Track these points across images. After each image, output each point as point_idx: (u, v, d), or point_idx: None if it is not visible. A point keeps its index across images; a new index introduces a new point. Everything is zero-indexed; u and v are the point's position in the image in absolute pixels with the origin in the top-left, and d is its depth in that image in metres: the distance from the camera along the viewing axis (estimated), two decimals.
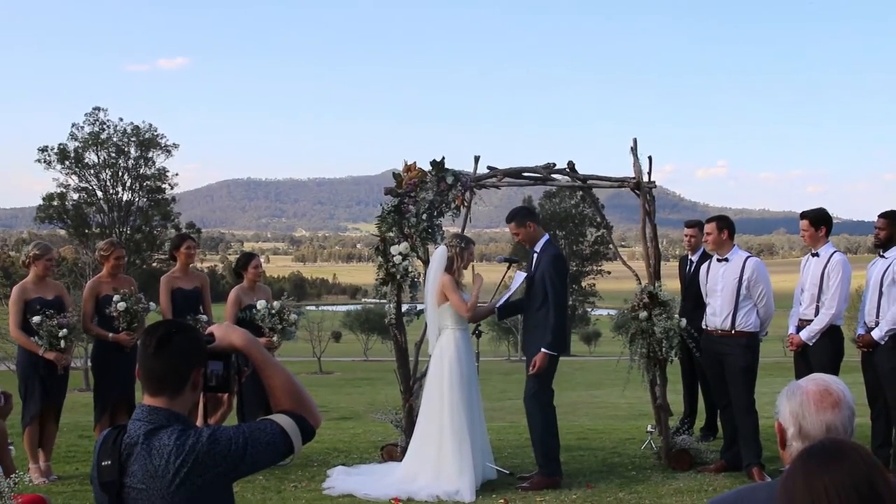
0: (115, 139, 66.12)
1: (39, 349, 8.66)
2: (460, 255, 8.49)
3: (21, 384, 8.82)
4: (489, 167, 9.30)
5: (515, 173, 9.35)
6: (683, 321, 8.92)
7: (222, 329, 3.15)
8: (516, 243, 9.10)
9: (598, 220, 10.29)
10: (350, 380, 36.58)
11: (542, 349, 8.34)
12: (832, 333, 8.59)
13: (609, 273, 76.66)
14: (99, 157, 65.88)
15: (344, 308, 79.78)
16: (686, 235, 10.54)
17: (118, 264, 9.25)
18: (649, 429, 9.84)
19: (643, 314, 8.81)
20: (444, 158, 9.03)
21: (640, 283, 9.14)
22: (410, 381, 9.18)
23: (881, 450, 8.36)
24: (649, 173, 9.34)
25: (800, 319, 8.78)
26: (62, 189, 65.15)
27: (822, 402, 2.70)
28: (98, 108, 66.47)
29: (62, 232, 68.12)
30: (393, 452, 9.12)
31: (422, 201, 8.89)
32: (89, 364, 11.26)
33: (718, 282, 8.72)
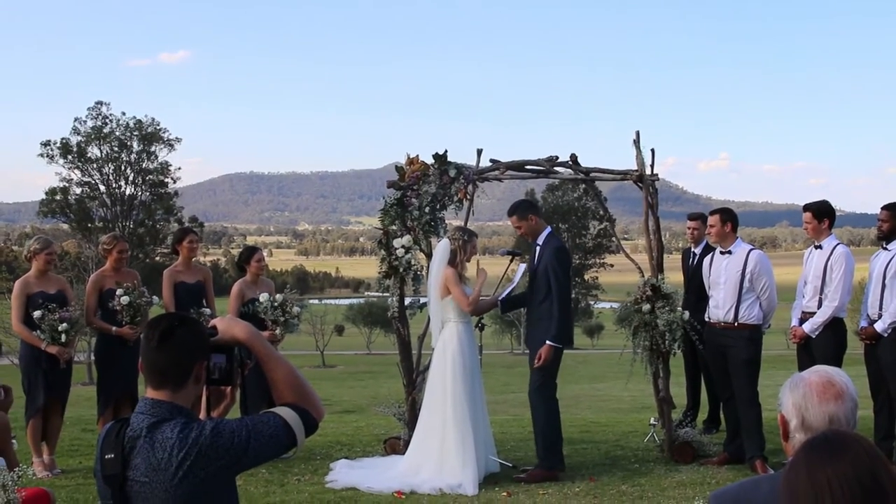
0: (117, 133, 66.14)
1: (42, 343, 8.68)
2: (463, 248, 8.48)
3: (24, 378, 8.83)
4: (492, 160, 9.30)
5: (518, 166, 9.33)
6: (686, 314, 8.91)
7: (225, 322, 3.15)
8: (519, 236, 9.08)
9: (601, 213, 10.26)
10: (353, 373, 36.63)
11: (548, 342, 8.34)
12: (835, 326, 8.59)
13: (612, 266, 76.67)
14: (102, 152, 65.92)
15: (347, 301, 79.80)
16: (689, 228, 10.52)
17: (121, 258, 9.25)
18: (652, 421, 9.84)
19: (646, 307, 8.80)
20: (446, 151, 9.02)
21: (642, 276, 9.13)
22: (413, 374, 9.18)
23: (884, 442, 8.36)
24: (652, 166, 9.32)
25: (803, 312, 8.78)
26: (65, 183, 65.22)
27: (824, 394, 2.70)
28: (100, 103, 66.52)
29: (65, 226, 68.16)
30: (396, 446, 9.12)
31: (424, 194, 8.88)
32: (92, 358, 11.27)
33: (721, 274, 8.71)
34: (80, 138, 65.26)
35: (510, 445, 9.75)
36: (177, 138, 68.69)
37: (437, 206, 9.01)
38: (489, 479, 8.29)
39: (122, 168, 66.34)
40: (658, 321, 8.72)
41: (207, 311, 9.27)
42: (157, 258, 64.06)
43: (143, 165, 66.87)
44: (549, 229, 8.72)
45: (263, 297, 9.38)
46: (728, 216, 8.85)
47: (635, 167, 9.35)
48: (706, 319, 8.95)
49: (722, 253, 8.80)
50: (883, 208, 8.66)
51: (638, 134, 9.40)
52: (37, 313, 8.68)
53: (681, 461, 8.91)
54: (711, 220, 8.88)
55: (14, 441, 6.92)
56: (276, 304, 9.37)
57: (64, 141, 64.74)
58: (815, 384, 2.72)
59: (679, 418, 9.61)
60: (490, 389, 14.40)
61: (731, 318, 8.63)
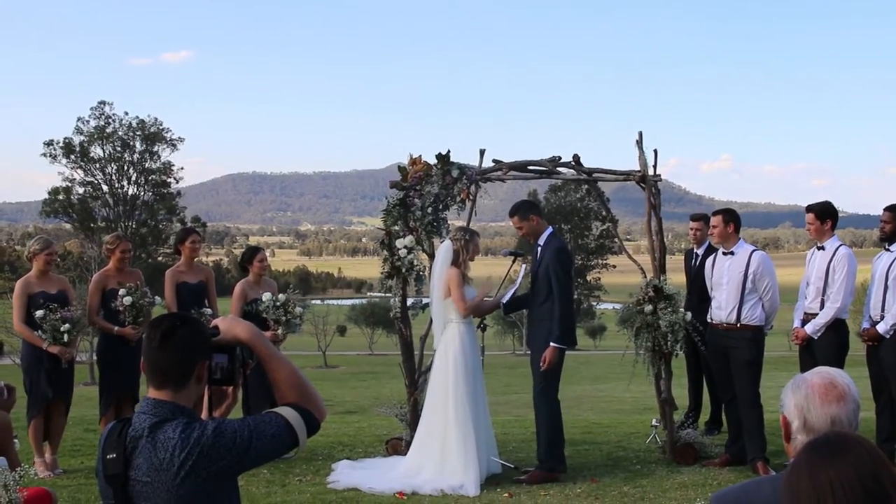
0: (120, 133, 66.22)
1: (43, 343, 8.68)
2: (465, 248, 8.49)
3: (26, 378, 8.84)
4: (494, 160, 9.29)
5: (521, 167, 9.33)
6: (689, 315, 8.91)
7: (227, 322, 3.15)
8: (521, 237, 9.08)
9: (604, 213, 10.26)
10: (355, 374, 36.64)
11: (551, 343, 8.33)
12: (837, 327, 8.58)
13: (614, 267, 76.63)
14: (104, 151, 66.00)
15: (349, 302, 79.86)
16: (691, 229, 10.52)
17: (124, 258, 9.26)
18: (654, 423, 9.84)
19: (648, 308, 8.79)
20: (449, 152, 9.02)
21: (645, 277, 9.13)
22: (415, 374, 9.18)
23: (886, 444, 8.35)
24: (654, 167, 9.31)
25: (805, 313, 8.77)
26: (68, 183, 65.31)
27: (827, 396, 2.70)
28: (103, 102, 66.61)
29: (67, 226, 68.22)
30: (397, 446, 9.12)
31: (427, 195, 8.88)
32: (95, 358, 11.29)
33: (724, 275, 8.71)
34: (82, 138, 65.36)
35: (512, 446, 9.75)
36: (179, 138, 68.81)
37: (440, 207, 9.00)
38: (491, 480, 8.29)
39: (125, 168, 66.41)
40: (660, 322, 8.72)
41: (209, 311, 9.27)
42: (160, 258, 64.15)
43: (146, 165, 66.95)
44: (550, 230, 8.71)
45: (266, 296, 9.38)
46: (730, 217, 8.84)
47: (638, 168, 9.34)
48: (708, 320, 8.95)
49: (724, 254, 8.80)
50: (885, 209, 8.65)
51: (641, 134, 9.39)
52: (38, 313, 8.68)
53: (682, 462, 8.90)
54: (714, 220, 8.87)
55: (16, 441, 6.92)
56: (278, 303, 9.37)
57: (67, 140, 64.84)
58: (817, 386, 2.72)
59: (681, 419, 9.61)
60: (492, 390, 14.40)
61: (733, 320, 8.62)
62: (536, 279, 8.55)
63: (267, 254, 10.15)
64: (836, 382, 2.72)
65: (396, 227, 8.95)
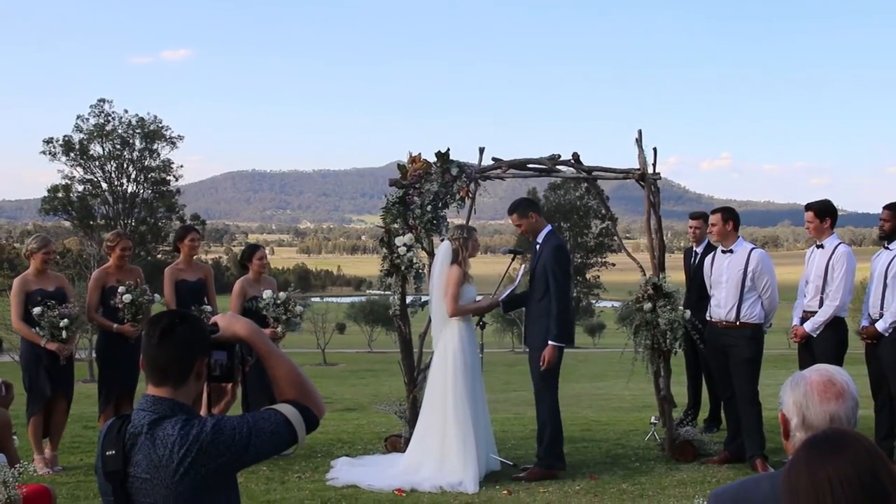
0: (119, 131, 66.23)
1: (41, 340, 8.69)
2: (464, 245, 8.49)
3: (25, 375, 8.84)
4: (494, 158, 9.30)
5: (520, 165, 9.33)
6: (688, 313, 8.91)
7: (226, 319, 3.15)
8: (520, 235, 9.09)
9: (603, 211, 10.28)
10: (354, 371, 36.62)
11: (550, 342, 8.33)
12: (836, 325, 8.59)
13: (613, 265, 76.60)
14: (104, 149, 66.01)
15: (348, 300, 79.79)
16: (691, 227, 10.52)
17: (124, 256, 9.26)
18: (653, 420, 9.85)
19: (647, 306, 8.80)
20: (448, 150, 9.01)
21: (644, 275, 9.13)
22: (414, 372, 9.18)
23: (885, 441, 8.36)
24: (654, 165, 9.32)
25: (804, 311, 8.78)
26: (67, 181, 65.33)
27: (825, 393, 2.70)
28: (103, 100, 66.62)
29: (67, 224, 68.23)
30: (397, 443, 9.13)
31: (426, 193, 8.88)
32: (94, 355, 11.29)
33: (723, 273, 8.71)
34: (82, 136, 65.36)
35: (511, 444, 9.76)
36: (179, 136, 68.80)
37: (439, 205, 9.00)
38: (490, 477, 8.30)
39: (125, 166, 66.42)
40: (659, 320, 8.72)
41: (208, 308, 9.27)
42: (159, 256, 64.10)
43: (146, 163, 66.96)
44: (549, 228, 8.70)
45: (267, 294, 9.39)
46: (729, 215, 8.84)
47: (637, 166, 9.35)
48: (707, 318, 8.95)
49: (723, 252, 8.80)
50: (884, 208, 8.66)
51: (640, 133, 9.39)
52: (36, 310, 8.69)
53: (681, 460, 8.91)
54: (713, 219, 8.87)
55: (15, 438, 6.91)
56: (278, 302, 9.37)
57: (66, 138, 64.82)
58: (815, 383, 2.72)
59: (680, 417, 9.61)
60: (491, 388, 14.40)
61: (732, 318, 8.62)
62: (534, 277, 8.56)
63: (266, 251, 10.15)
64: (835, 380, 2.73)
65: (396, 225, 8.95)
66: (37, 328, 8.70)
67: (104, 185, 66.03)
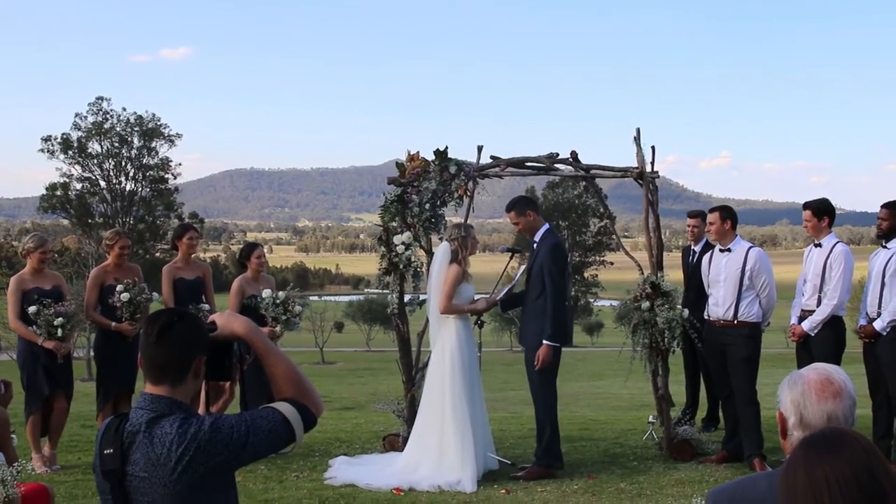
0: (118, 129, 66.17)
1: (38, 338, 8.69)
2: (463, 244, 8.49)
3: (22, 374, 8.84)
4: (492, 157, 9.29)
5: (518, 163, 9.33)
6: (686, 311, 8.92)
7: (224, 317, 3.15)
8: (518, 233, 9.09)
9: (601, 210, 10.28)
10: (352, 370, 36.59)
11: (545, 341, 8.33)
12: (834, 324, 8.59)
13: (612, 264, 76.53)
14: (102, 147, 65.96)
15: (346, 298, 79.74)
16: (689, 226, 10.52)
17: (123, 254, 9.27)
18: (651, 419, 9.85)
19: (645, 304, 8.80)
20: (447, 148, 9.01)
21: (642, 274, 9.13)
22: (413, 371, 9.18)
23: (883, 440, 8.37)
24: (652, 163, 9.32)
25: (802, 310, 8.78)
26: (65, 179, 65.26)
27: (823, 392, 2.70)
28: (101, 98, 66.58)
29: (65, 222, 68.22)
30: (395, 442, 9.13)
31: (425, 191, 8.88)
32: (92, 354, 11.29)
33: (721, 272, 8.71)
34: (80, 134, 65.30)
35: (509, 443, 9.76)
36: (177, 134, 68.73)
37: (438, 203, 9.00)
38: (488, 476, 8.30)
39: (123, 164, 66.37)
40: (657, 319, 8.72)
41: (206, 306, 9.28)
42: (158, 254, 64.05)
43: (144, 161, 66.91)
44: (546, 226, 8.69)
45: (266, 293, 9.39)
46: (727, 214, 8.84)
47: (636, 164, 9.35)
48: (705, 317, 8.95)
49: (721, 251, 8.80)
50: (882, 206, 8.66)
51: (638, 131, 9.40)
52: (32, 309, 8.69)
53: (679, 459, 8.91)
54: (711, 217, 8.87)
55: (14, 436, 6.91)
56: (278, 301, 9.37)
57: (64, 136, 64.77)
58: (813, 382, 2.72)
59: (678, 416, 9.62)
60: (489, 387, 14.40)
61: (730, 316, 8.62)
62: (531, 276, 8.56)
63: (265, 250, 10.15)
64: (833, 379, 2.73)
65: (394, 224, 8.94)
66: (34, 327, 8.70)
67: (102, 183, 65.98)
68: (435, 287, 8.55)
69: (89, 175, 65.94)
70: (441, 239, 8.83)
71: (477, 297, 8.72)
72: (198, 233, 9.95)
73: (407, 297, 9.18)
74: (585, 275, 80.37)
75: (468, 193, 9.14)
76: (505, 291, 8.89)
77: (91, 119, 65.66)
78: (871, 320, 8.55)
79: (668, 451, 9.05)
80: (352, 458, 8.94)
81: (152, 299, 9.28)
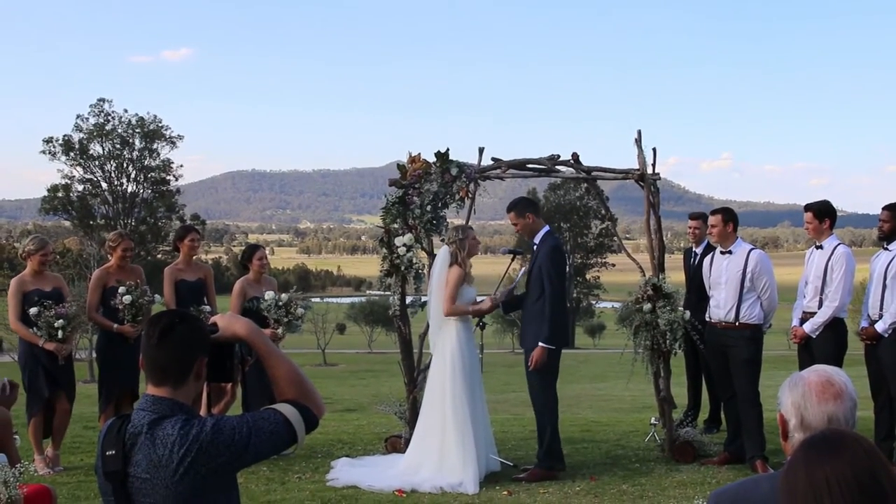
0: (119, 130, 66.15)
1: (39, 340, 8.69)
2: (461, 246, 8.49)
3: (24, 375, 8.84)
4: (493, 159, 9.30)
5: (519, 165, 9.33)
6: (687, 313, 8.92)
7: (226, 319, 3.15)
8: (519, 235, 9.09)
9: (603, 212, 10.28)
10: (354, 372, 36.62)
11: (540, 343, 8.33)
12: (836, 326, 8.58)
13: (613, 265, 76.52)
14: (104, 149, 65.94)
15: (348, 300, 79.77)
16: (690, 228, 10.52)
17: (125, 256, 9.27)
18: (653, 421, 9.84)
19: (647, 306, 8.80)
20: (448, 150, 9.02)
21: (644, 276, 9.13)
22: (414, 372, 9.18)
23: (884, 442, 8.36)
24: (653, 165, 9.32)
25: (803, 312, 8.78)
26: (67, 180, 65.24)
27: (823, 393, 2.70)
28: (103, 100, 66.51)
29: (67, 223, 68.22)
30: (397, 444, 9.13)
31: (426, 193, 8.88)
32: (94, 355, 11.30)
33: (722, 274, 8.71)
34: (82, 135, 65.28)
35: (511, 444, 9.76)
36: (179, 136, 68.71)
37: (439, 205, 9.00)
38: (490, 477, 8.30)
39: (125, 165, 66.35)
40: (659, 321, 8.72)
41: (208, 308, 9.28)
42: (159, 256, 64.07)
43: (145, 163, 66.88)
44: (546, 228, 8.68)
45: (269, 295, 9.39)
46: (729, 216, 8.84)
47: (637, 166, 9.35)
48: (707, 319, 8.95)
49: (722, 253, 8.80)
50: (884, 208, 8.65)
51: (640, 133, 9.40)
52: (33, 310, 8.70)
53: (681, 461, 8.91)
54: (713, 219, 8.86)
55: (16, 437, 6.91)
56: (280, 303, 9.37)
57: (66, 138, 64.75)
58: (814, 383, 2.72)
59: (680, 418, 9.61)
60: (491, 389, 14.40)
61: (732, 318, 8.62)
62: (530, 278, 8.56)
63: (266, 252, 10.16)
64: (833, 380, 2.73)
65: (395, 225, 8.95)
66: (34, 328, 8.71)
67: (104, 185, 65.97)
68: (435, 290, 8.55)
69: (91, 177, 65.94)
70: (442, 241, 8.83)
71: (479, 298, 8.72)
72: (199, 234, 9.95)
73: (408, 299, 9.18)
74: (587, 277, 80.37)
75: (469, 195, 9.14)
76: (505, 293, 8.88)
77: (92, 121, 65.69)
78: (873, 322, 8.55)
79: (671, 453, 9.05)
80: (354, 460, 8.94)
81: (154, 301, 9.29)
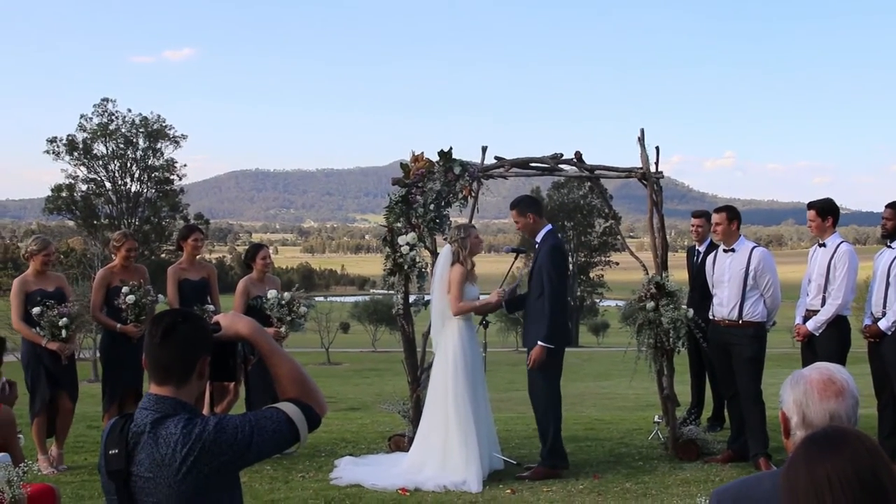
0: (123, 130, 66.18)
1: (42, 340, 8.70)
2: (463, 245, 8.49)
3: (27, 376, 8.84)
4: (496, 157, 9.29)
5: (523, 163, 9.33)
6: (690, 311, 8.92)
7: (228, 318, 3.15)
8: (519, 231, 9.10)
9: (607, 210, 10.28)
10: (358, 370, 36.67)
11: (539, 342, 8.33)
12: (839, 324, 8.57)
13: (617, 264, 76.50)
14: (107, 148, 65.97)
15: (352, 299, 79.80)
16: (693, 226, 10.52)
17: (129, 256, 9.28)
18: (656, 419, 9.84)
19: (650, 305, 8.80)
20: (451, 149, 9.02)
21: (647, 274, 9.13)
22: (418, 371, 9.19)
23: (888, 440, 8.35)
24: (656, 164, 9.32)
25: (807, 310, 8.77)
26: (71, 180, 65.25)
27: (825, 391, 2.70)
28: (106, 100, 66.51)
29: (71, 223, 68.23)
30: (400, 443, 9.14)
31: (429, 192, 8.88)
32: (98, 355, 11.30)
33: (725, 272, 8.71)
34: (85, 135, 65.32)
35: (514, 443, 9.76)
36: (182, 135, 68.72)
37: (442, 204, 9.00)
38: (493, 476, 8.30)
39: (128, 165, 66.38)
40: (662, 319, 8.73)
41: (211, 307, 9.28)
42: (163, 255, 64.10)
43: (149, 162, 66.91)
44: (548, 227, 8.66)
45: (271, 294, 9.40)
46: (734, 214, 8.84)
47: (640, 165, 9.35)
48: (710, 317, 8.95)
49: (725, 251, 8.80)
50: (887, 206, 8.65)
51: (643, 132, 9.39)
52: (35, 310, 8.70)
53: (685, 459, 8.91)
54: (717, 217, 8.84)
55: (20, 437, 6.93)
56: (283, 302, 9.38)
57: (70, 138, 64.79)
58: (815, 381, 2.72)
59: (683, 416, 9.62)
60: (495, 387, 14.41)
61: (735, 316, 8.62)
62: (532, 277, 8.56)
63: (270, 251, 10.16)
64: (835, 378, 2.73)
65: (399, 224, 8.95)
66: (37, 328, 8.72)
67: (108, 185, 66.00)
68: (438, 289, 8.55)
69: (95, 176, 65.97)
70: (445, 240, 8.84)
71: (482, 297, 8.73)
72: (203, 234, 9.96)
73: (412, 298, 9.19)
74: (591, 275, 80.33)
75: (472, 194, 9.15)
76: (508, 292, 8.87)
77: (96, 120, 65.70)
78: (876, 320, 8.54)
79: (674, 451, 9.06)
80: (357, 459, 8.95)
81: (158, 301, 9.30)
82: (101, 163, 65.75)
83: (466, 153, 9.20)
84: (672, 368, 9.16)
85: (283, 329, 9.36)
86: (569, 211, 77.25)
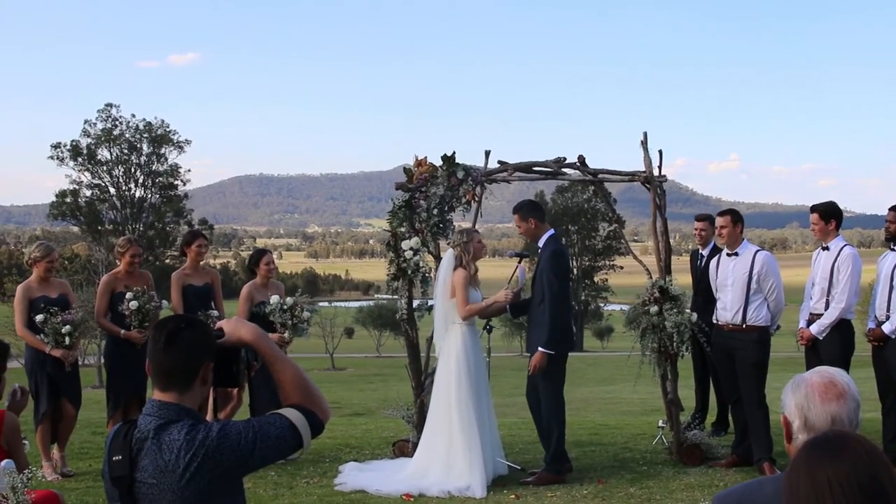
0: (127, 135, 66.35)
1: (46, 346, 8.71)
2: (465, 250, 8.49)
3: (31, 383, 8.84)
4: (500, 162, 9.30)
5: (526, 167, 9.34)
6: (694, 315, 8.90)
7: (232, 324, 3.16)
8: (521, 235, 9.10)
9: (610, 214, 10.28)
10: (362, 376, 36.66)
11: (539, 348, 8.32)
12: (842, 327, 8.56)
13: (622, 268, 76.51)
14: (111, 154, 66.15)
15: (356, 304, 79.84)
16: (696, 229, 10.49)
17: (134, 262, 9.29)
18: (661, 424, 9.83)
19: (654, 309, 8.80)
20: (454, 153, 9.02)
21: (650, 278, 9.13)
22: (422, 376, 9.19)
23: (893, 444, 8.32)
24: (660, 167, 9.33)
25: (810, 313, 8.75)
26: (75, 186, 65.45)
27: (826, 394, 2.70)
28: (110, 105, 66.74)
29: (75, 229, 68.43)
30: (404, 448, 9.13)
31: (433, 196, 8.89)
32: (102, 361, 11.31)
33: (729, 276, 8.70)
34: (90, 140, 65.52)
35: (518, 448, 9.76)
36: (186, 140, 68.90)
37: (446, 208, 9.01)
38: (497, 481, 8.30)
39: (132, 170, 66.56)
40: (666, 323, 8.72)
41: (215, 313, 9.30)
42: (167, 261, 64.19)
43: (153, 168, 67.07)
44: (550, 232, 8.64)
45: (274, 299, 9.41)
46: (738, 218, 8.83)
47: (643, 168, 9.35)
48: (714, 321, 8.94)
49: (728, 255, 8.78)
50: (891, 209, 8.64)
51: (645, 135, 9.40)
52: (39, 317, 8.71)
53: (689, 463, 8.90)
54: (722, 221, 8.82)
55: (25, 443, 6.93)
56: (285, 307, 9.39)
57: (74, 143, 64.98)
58: (816, 385, 2.73)
59: (687, 420, 9.60)
60: (499, 392, 14.39)
61: (738, 320, 8.61)
62: (535, 282, 8.56)
63: (274, 256, 10.17)
64: (836, 381, 2.73)
65: (402, 229, 8.95)
66: (41, 335, 8.73)
67: (112, 190, 66.18)
68: (440, 294, 8.55)
69: (99, 182, 66.16)
70: (448, 244, 8.84)
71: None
72: (206, 240, 9.98)
73: (416, 303, 9.19)
74: (595, 279, 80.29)
75: (476, 198, 9.15)
76: (512, 296, 8.86)
77: (100, 126, 65.90)
78: (880, 323, 8.53)
79: (678, 456, 9.05)
80: (362, 464, 8.95)
81: (161, 307, 9.30)
82: (105, 168, 65.93)
83: (469, 157, 9.18)
84: (676, 373, 9.15)
85: (286, 334, 9.37)
86: (573, 215, 77.26)
